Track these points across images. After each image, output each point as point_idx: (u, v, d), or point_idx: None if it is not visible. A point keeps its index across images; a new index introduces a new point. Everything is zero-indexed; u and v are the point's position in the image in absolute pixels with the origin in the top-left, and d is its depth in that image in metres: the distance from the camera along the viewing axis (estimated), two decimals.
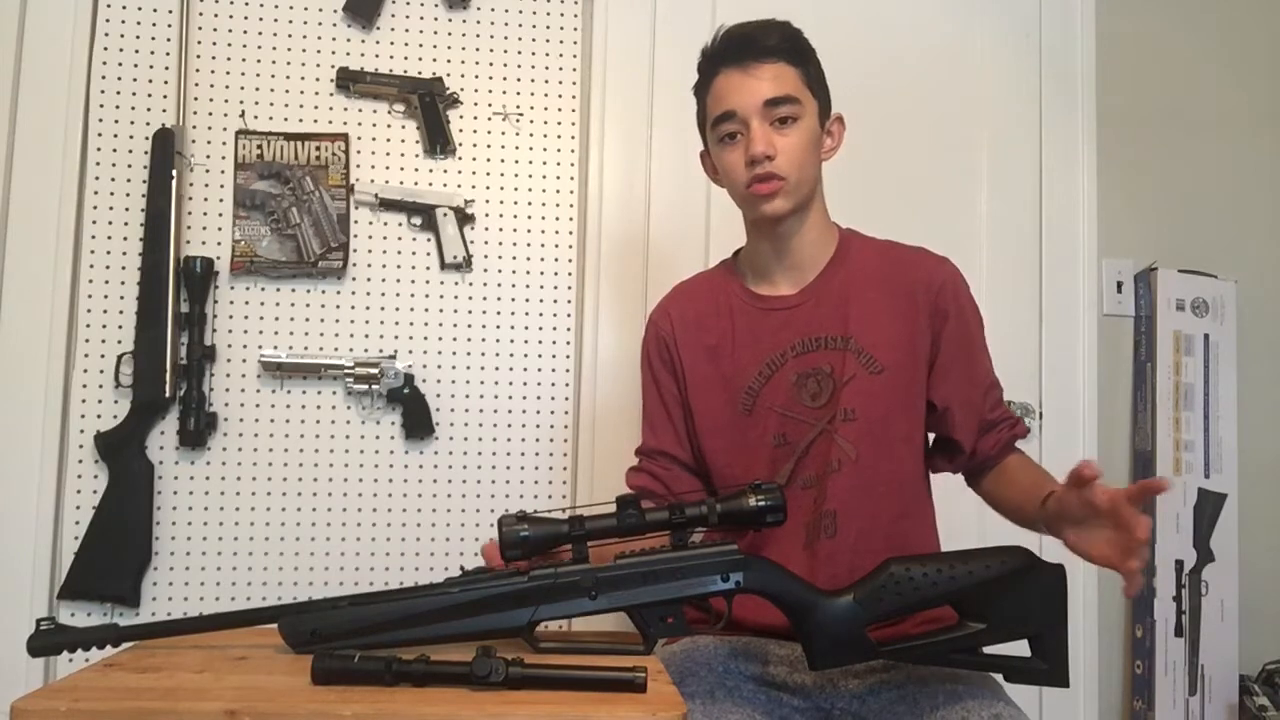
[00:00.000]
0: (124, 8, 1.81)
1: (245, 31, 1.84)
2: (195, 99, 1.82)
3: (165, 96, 1.81)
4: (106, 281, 1.78)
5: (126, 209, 1.79)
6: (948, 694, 1.10)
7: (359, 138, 1.86)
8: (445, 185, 1.88)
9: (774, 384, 1.26)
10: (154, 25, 1.82)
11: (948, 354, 1.27)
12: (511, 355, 1.88)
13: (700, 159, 1.36)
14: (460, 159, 1.89)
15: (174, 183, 1.75)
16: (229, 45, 1.84)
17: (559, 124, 1.92)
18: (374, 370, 1.80)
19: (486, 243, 1.88)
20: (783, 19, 1.28)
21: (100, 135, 1.79)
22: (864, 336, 1.24)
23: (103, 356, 1.76)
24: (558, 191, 1.91)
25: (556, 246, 1.91)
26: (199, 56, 1.83)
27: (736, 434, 1.28)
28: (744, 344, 1.29)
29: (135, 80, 1.81)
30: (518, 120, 1.91)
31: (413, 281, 1.86)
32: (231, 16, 1.84)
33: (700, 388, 1.31)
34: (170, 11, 1.82)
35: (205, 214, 1.80)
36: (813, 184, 1.27)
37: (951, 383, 1.27)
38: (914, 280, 1.28)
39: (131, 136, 1.80)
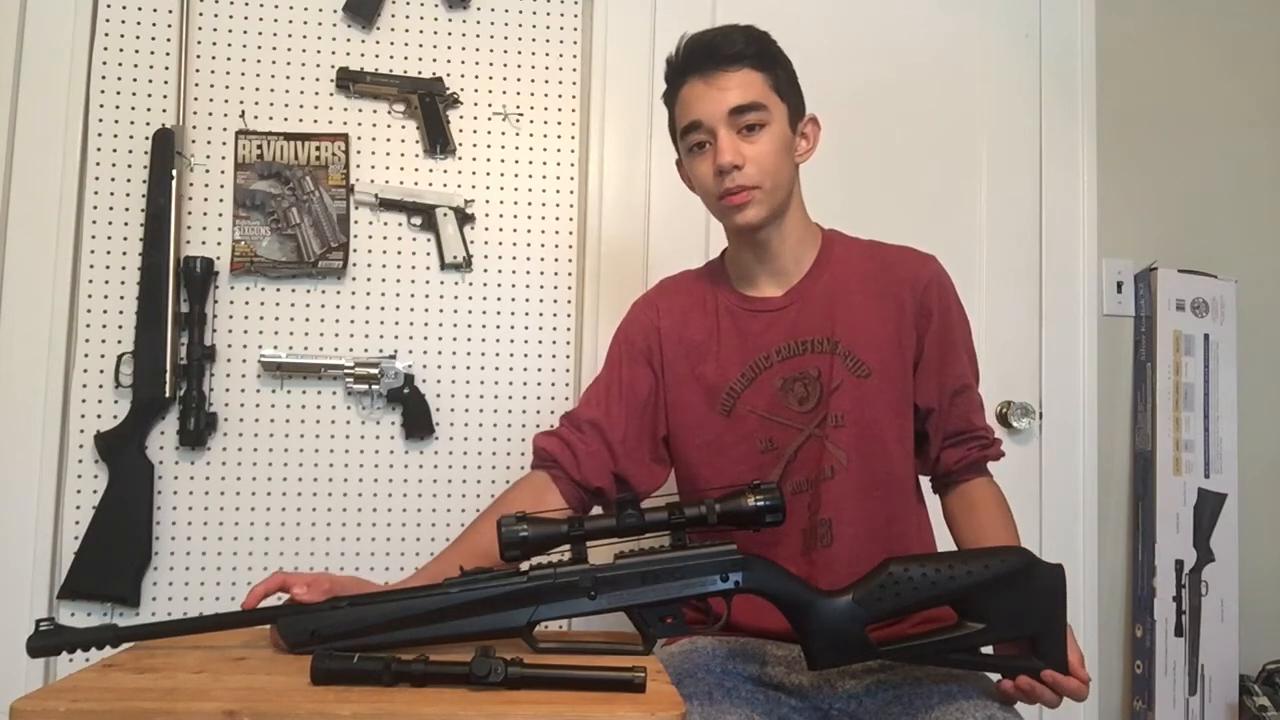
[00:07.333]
0: (124, 8, 1.81)
1: (245, 31, 1.84)
2: (195, 99, 1.82)
3: (165, 96, 1.81)
4: (106, 281, 1.77)
5: (126, 209, 1.79)
6: (942, 695, 1.10)
7: (359, 138, 1.86)
8: (445, 185, 1.88)
9: (757, 387, 1.25)
10: (154, 25, 1.82)
11: (930, 354, 1.26)
12: (511, 355, 1.88)
13: (677, 167, 1.35)
14: (460, 159, 1.88)
15: (174, 183, 1.75)
16: (229, 45, 1.83)
17: (559, 124, 1.92)
18: (374, 370, 1.80)
19: (486, 243, 1.88)
20: (747, 23, 1.25)
21: (100, 135, 1.79)
22: (851, 339, 1.23)
23: (103, 356, 1.76)
24: (557, 191, 1.91)
25: (556, 246, 1.91)
26: (199, 56, 1.83)
27: (711, 434, 1.26)
28: (729, 345, 1.27)
29: (135, 80, 1.81)
30: (518, 120, 1.91)
31: (413, 281, 1.86)
32: (231, 16, 1.84)
33: (680, 384, 1.29)
34: (170, 11, 1.82)
35: (205, 214, 1.80)
36: (788, 188, 1.25)
37: (933, 384, 1.26)
38: (899, 279, 1.27)
39: (131, 136, 1.80)
